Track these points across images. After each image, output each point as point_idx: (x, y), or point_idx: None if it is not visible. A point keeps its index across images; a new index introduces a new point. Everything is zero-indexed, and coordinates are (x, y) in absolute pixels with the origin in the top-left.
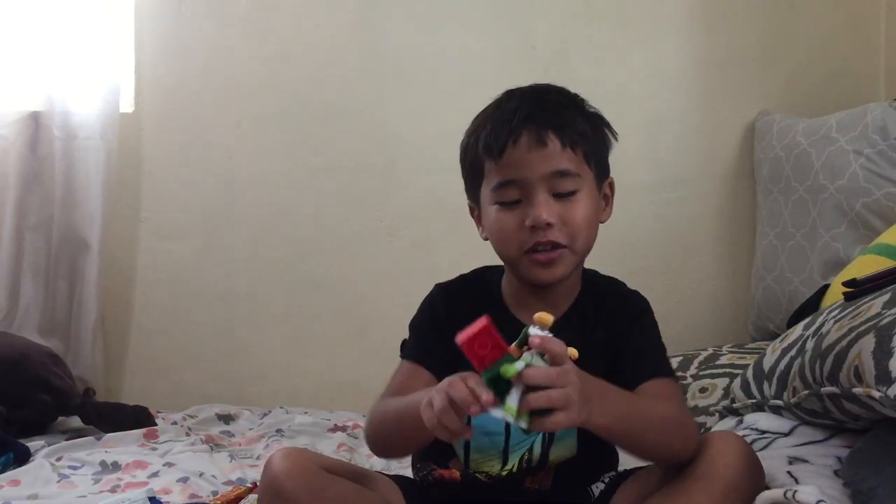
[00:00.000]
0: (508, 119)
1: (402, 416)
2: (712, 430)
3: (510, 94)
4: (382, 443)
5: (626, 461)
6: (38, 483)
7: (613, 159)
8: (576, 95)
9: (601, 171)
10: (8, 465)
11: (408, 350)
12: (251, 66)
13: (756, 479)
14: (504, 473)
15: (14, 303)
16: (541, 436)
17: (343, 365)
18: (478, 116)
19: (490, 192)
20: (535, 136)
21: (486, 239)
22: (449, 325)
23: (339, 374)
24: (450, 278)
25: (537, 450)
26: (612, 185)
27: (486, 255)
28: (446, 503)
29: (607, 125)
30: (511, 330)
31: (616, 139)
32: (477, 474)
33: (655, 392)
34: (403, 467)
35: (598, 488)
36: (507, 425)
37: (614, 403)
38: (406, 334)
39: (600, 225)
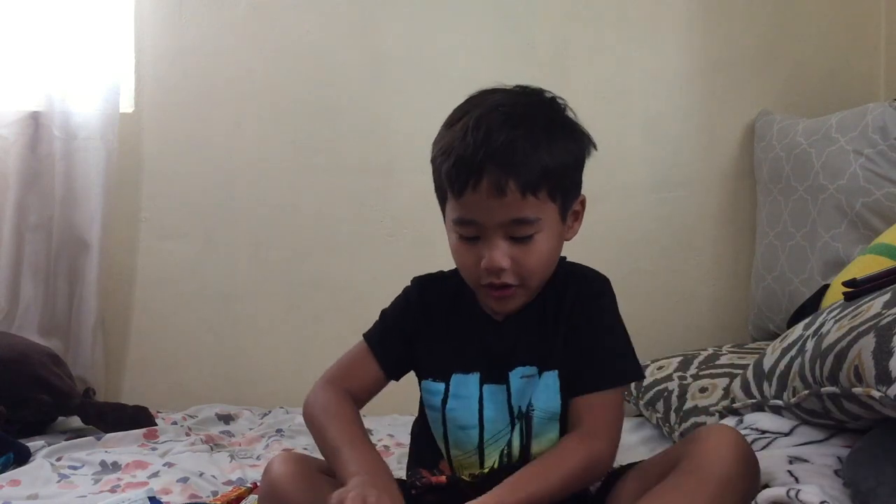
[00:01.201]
0: (471, 159)
1: (326, 453)
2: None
3: (480, 118)
4: (311, 432)
5: (622, 458)
6: (38, 483)
7: (614, 159)
8: (552, 109)
9: (569, 199)
10: (8, 465)
11: (369, 332)
12: (251, 66)
13: (752, 472)
14: (486, 471)
15: (14, 303)
16: (519, 429)
17: None
18: (447, 130)
19: (451, 221)
20: (494, 183)
21: None
22: (420, 316)
23: None
24: None
25: (517, 444)
26: (583, 202)
27: None
28: None
29: (584, 137)
30: (481, 322)
31: (595, 148)
32: (462, 477)
33: (583, 415)
34: (401, 468)
35: (594, 485)
36: (481, 418)
37: None
38: None
39: (598, 225)
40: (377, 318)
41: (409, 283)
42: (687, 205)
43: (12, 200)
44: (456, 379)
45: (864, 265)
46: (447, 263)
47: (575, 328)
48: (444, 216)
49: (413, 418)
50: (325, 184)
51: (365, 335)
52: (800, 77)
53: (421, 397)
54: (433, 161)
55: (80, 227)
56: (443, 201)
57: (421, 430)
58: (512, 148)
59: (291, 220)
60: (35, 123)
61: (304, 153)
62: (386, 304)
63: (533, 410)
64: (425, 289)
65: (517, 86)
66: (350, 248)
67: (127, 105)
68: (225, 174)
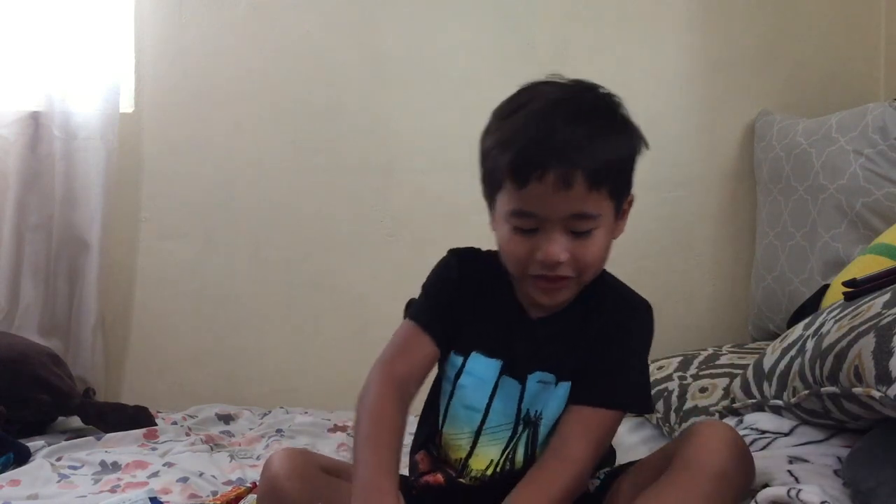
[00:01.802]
0: (538, 148)
1: (354, 456)
2: None
3: (545, 107)
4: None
5: (622, 457)
6: (38, 483)
7: None
8: (611, 103)
9: (623, 195)
10: (8, 465)
11: (414, 309)
12: (251, 66)
13: (746, 466)
14: (489, 473)
15: (14, 303)
16: (525, 437)
17: (343, 365)
18: (505, 119)
19: (507, 212)
20: (562, 176)
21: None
22: (461, 288)
23: (339, 374)
24: None
25: (521, 452)
26: (630, 202)
27: None
28: None
29: (638, 135)
30: (513, 315)
31: (647, 146)
32: (460, 479)
33: (573, 425)
34: (403, 466)
35: (593, 484)
36: (489, 405)
37: None
38: None
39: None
40: (382, 323)
41: (445, 254)
42: (687, 205)
43: (12, 200)
44: (475, 357)
45: (864, 265)
46: None
47: (604, 344)
48: (490, 207)
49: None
50: (325, 184)
51: (411, 315)
52: (800, 77)
53: (439, 368)
54: (487, 152)
55: (80, 227)
56: (493, 192)
57: (429, 401)
58: (580, 141)
59: (291, 220)
60: (35, 123)
61: (304, 153)
62: (386, 303)
63: (541, 419)
64: (464, 262)
65: (572, 80)
66: (350, 248)
67: (127, 105)
68: (225, 174)
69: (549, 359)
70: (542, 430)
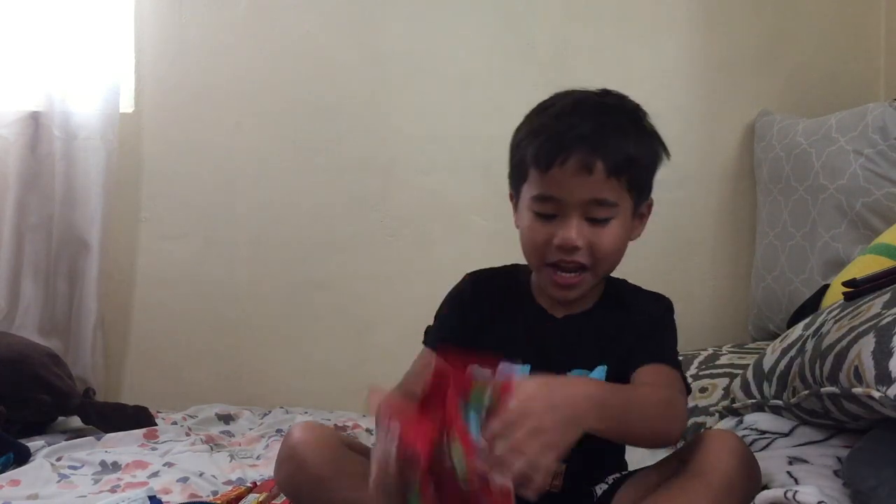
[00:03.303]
0: (562, 136)
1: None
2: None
3: (574, 105)
4: None
5: (633, 462)
6: (38, 483)
7: None
8: (636, 114)
9: (642, 195)
10: (8, 465)
11: (429, 337)
12: (251, 66)
13: (752, 476)
14: None
15: (14, 303)
16: None
17: (343, 365)
18: (536, 116)
19: (529, 199)
20: (583, 160)
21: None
22: (474, 312)
23: (339, 374)
24: (451, 277)
25: None
26: (650, 206)
27: (487, 255)
28: None
29: (661, 144)
30: (538, 317)
31: (668, 157)
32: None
33: (648, 377)
34: None
35: (601, 489)
36: None
37: (584, 399)
38: (406, 333)
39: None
40: (382, 323)
41: (462, 277)
42: (687, 205)
43: (12, 200)
44: (503, 367)
45: (864, 265)
46: (447, 263)
47: (639, 337)
48: (514, 203)
49: None
50: (325, 184)
51: (426, 342)
52: (800, 77)
53: None
54: (517, 144)
55: (80, 227)
56: (519, 183)
57: None
58: (602, 131)
59: (291, 220)
60: (35, 123)
61: (304, 153)
62: (386, 303)
63: None
64: (479, 282)
65: (602, 89)
66: (350, 248)
67: (127, 105)
68: (225, 174)
69: (587, 354)
70: None
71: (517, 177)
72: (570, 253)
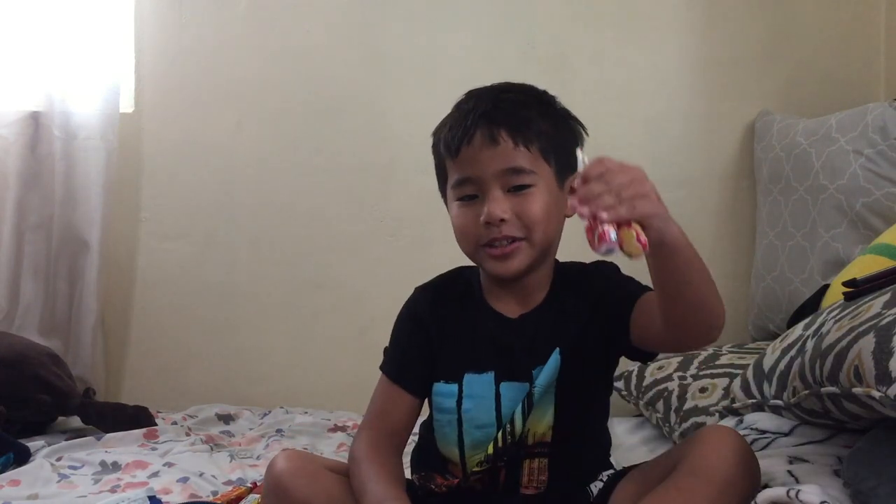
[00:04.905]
0: (464, 119)
1: (361, 490)
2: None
3: (469, 95)
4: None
5: (622, 458)
6: (38, 483)
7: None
8: (540, 93)
9: (564, 167)
10: (8, 465)
11: (387, 364)
12: (251, 66)
13: (752, 474)
14: (490, 452)
15: (14, 303)
16: (520, 405)
17: (343, 365)
18: (443, 119)
19: (451, 190)
20: (487, 134)
21: None
22: (432, 324)
23: (339, 374)
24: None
25: (519, 422)
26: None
27: None
28: None
29: (574, 121)
30: (495, 321)
31: (587, 134)
32: (474, 482)
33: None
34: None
35: (596, 487)
36: (498, 416)
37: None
38: None
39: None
40: (382, 323)
41: (412, 292)
42: (687, 205)
43: (12, 200)
44: (469, 378)
45: (864, 265)
46: (447, 263)
47: (611, 285)
48: (447, 206)
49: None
50: (325, 184)
51: (383, 368)
52: (800, 77)
53: (430, 404)
54: (433, 147)
55: (80, 227)
56: (444, 184)
57: (429, 433)
58: (503, 105)
59: (291, 220)
60: (35, 123)
61: (304, 153)
62: (386, 303)
63: (534, 388)
64: (430, 295)
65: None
66: (350, 248)
67: (127, 105)
68: (225, 174)
69: (545, 351)
70: (536, 397)
71: (441, 178)
72: (499, 228)
